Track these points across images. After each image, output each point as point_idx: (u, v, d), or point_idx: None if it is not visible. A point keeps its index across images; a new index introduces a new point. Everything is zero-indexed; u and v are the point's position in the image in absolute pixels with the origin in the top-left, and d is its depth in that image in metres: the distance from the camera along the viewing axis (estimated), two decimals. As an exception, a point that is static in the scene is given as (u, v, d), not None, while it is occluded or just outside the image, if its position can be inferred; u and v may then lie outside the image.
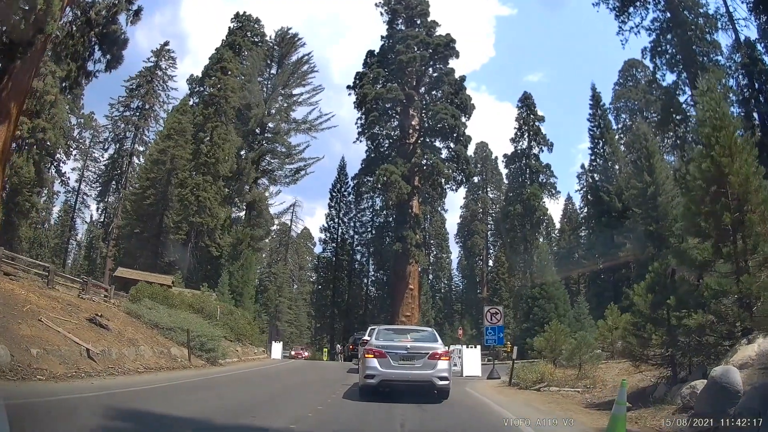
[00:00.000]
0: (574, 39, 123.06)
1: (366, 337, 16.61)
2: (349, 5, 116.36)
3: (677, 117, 40.48)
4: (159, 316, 18.17)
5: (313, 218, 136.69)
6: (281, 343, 34.70)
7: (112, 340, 13.51)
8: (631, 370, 11.18)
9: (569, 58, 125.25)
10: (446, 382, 9.88)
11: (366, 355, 10.20)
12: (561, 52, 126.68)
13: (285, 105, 55.44)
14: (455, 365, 19.27)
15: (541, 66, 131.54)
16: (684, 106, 39.26)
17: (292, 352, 44.88)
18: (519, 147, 53.11)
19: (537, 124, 52.87)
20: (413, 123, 48.07)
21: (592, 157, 52.57)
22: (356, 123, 49.90)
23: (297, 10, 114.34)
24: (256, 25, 58.87)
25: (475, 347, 21.82)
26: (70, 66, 18.14)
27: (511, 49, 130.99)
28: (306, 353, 46.42)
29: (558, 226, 67.56)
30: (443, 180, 47.41)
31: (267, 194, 53.00)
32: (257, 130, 52.26)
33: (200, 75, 52.87)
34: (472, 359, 20.47)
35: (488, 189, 75.20)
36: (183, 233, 42.06)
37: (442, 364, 9.94)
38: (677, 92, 39.30)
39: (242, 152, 50.42)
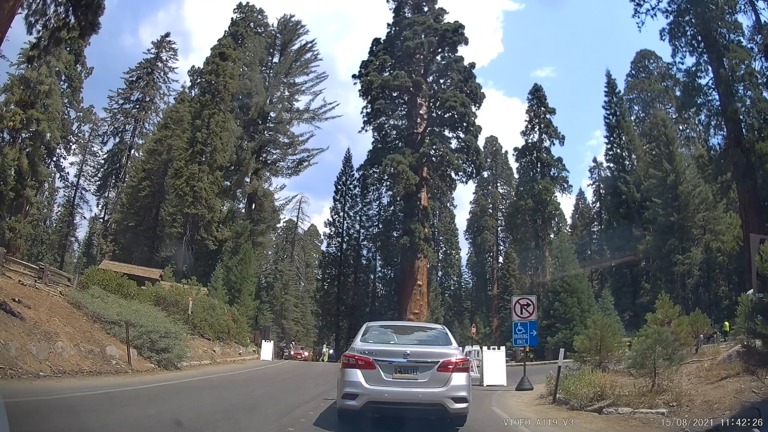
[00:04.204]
0: (583, 33, 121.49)
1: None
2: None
3: (698, 101, 38.53)
4: (104, 307, 15.65)
5: (321, 216, 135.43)
6: (272, 342, 31.88)
7: (18, 333, 11.08)
8: (711, 377, 8.75)
9: (577, 53, 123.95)
10: (463, 405, 6.88)
11: (345, 365, 7.09)
12: (569, 48, 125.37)
13: (287, 94, 53.99)
14: (471, 371, 16.52)
15: (549, 61, 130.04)
16: (706, 89, 37.44)
17: (291, 352, 43.16)
18: (530, 140, 51.16)
19: (548, 116, 50.93)
20: (421, 112, 46.31)
21: (608, 146, 50.90)
22: (362, 112, 48.44)
23: (301, 6, 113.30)
24: (259, 16, 57.86)
25: (499, 349, 18.13)
26: (40, 33, 16.56)
27: (519, 45, 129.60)
28: (306, 353, 44.71)
29: (569, 222, 65.82)
30: (453, 171, 45.72)
31: (270, 187, 51.67)
32: (258, 120, 50.80)
33: (202, 66, 51.60)
34: (495, 364, 16.92)
35: (498, 184, 73.49)
36: (179, 226, 40.38)
37: (459, 378, 6.90)
38: (698, 75, 37.45)
39: (243, 144, 48.88)
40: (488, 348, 18.09)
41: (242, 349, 27.62)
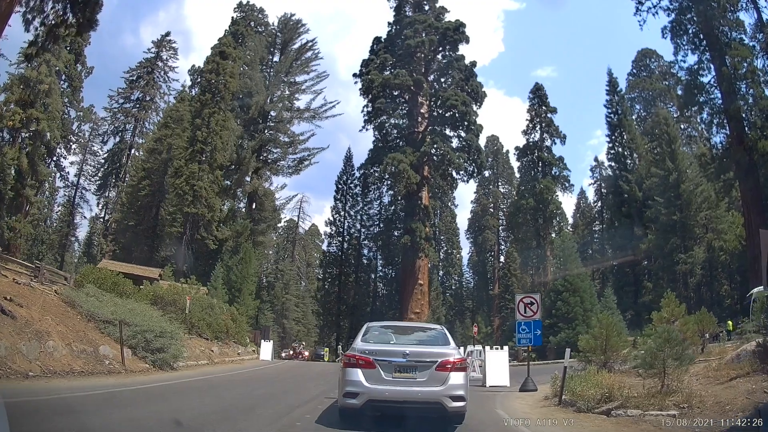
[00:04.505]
0: (583, 33, 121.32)
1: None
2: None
3: (700, 99, 38.37)
4: (98, 306, 15.41)
5: (322, 215, 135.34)
6: (271, 342, 31.24)
7: (8, 331, 10.87)
8: (720, 377, 8.52)
9: (578, 53, 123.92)
10: (461, 404, 7.03)
11: (346, 365, 7.27)
12: (570, 47, 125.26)
13: (287, 93, 53.91)
14: (473, 371, 16.00)
15: (550, 61, 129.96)
16: (708, 87, 37.29)
17: (291, 352, 43.03)
18: (531, 139, 50.78)
19: (549, 115, 50.60)
20: (422, 111, 46.24)
21: (610, 145, 50.75)
22: (362, 111, 48.37)
23: (302, 6, 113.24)
24: (259, 15, 57.71)
25: (502, 348, 17.60)
26: (38, 31, 16.48)
27: (519, 44, 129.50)
28: (306, 353, 44.67)
29: (571, 221, 65.55)
30: (454, 170, 45.68)
31: (270, 186, 51.65)
32: (258, 119, 50.73)
33: (202, 65, 51.49)
34: (498, 364, 16.42)
35: (499, 183, 73.18)
36: (179, 225, 40.24)
37: (456, 378, 7.05)
38: (700, 73, 37.32)
39: (244, 143, 48.75)
40: (491, 348, 17.75)
41: (241, 348, 27.31)
